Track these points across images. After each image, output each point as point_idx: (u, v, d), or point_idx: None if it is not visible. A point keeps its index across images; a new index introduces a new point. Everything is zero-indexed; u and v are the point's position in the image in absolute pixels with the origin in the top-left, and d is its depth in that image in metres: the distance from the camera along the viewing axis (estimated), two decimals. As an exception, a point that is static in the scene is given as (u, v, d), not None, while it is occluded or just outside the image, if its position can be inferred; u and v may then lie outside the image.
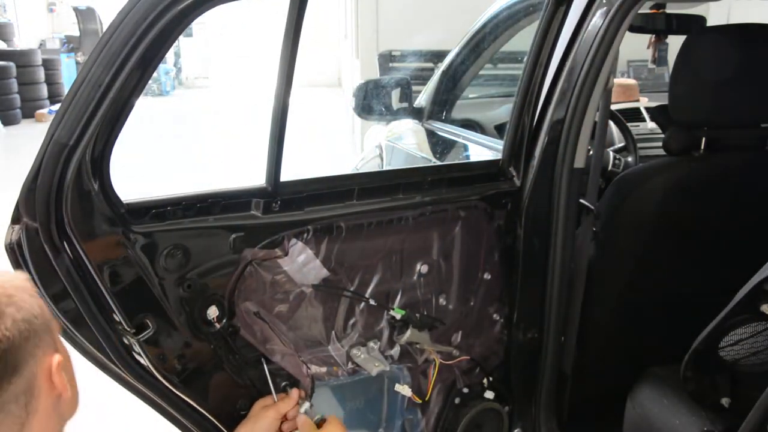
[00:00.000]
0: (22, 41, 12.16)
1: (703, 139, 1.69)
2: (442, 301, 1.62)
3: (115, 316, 1.22)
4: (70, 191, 1.09)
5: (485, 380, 1.73)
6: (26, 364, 0.85)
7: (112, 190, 1.17)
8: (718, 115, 1.69)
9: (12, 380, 0.83)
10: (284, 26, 1.22)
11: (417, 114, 2.80)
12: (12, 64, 9.97)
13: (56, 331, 0.94)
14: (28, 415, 0.85)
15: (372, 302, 1.50)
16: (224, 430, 1.40)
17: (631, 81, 3.35)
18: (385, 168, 2.87)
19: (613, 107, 2.30)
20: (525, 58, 1.59)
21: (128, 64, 1.05)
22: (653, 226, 1.73)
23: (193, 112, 11.47)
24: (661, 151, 1.78)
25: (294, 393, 1.41)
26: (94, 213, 1.14)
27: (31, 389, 0.86)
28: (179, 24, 1.09)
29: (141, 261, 1.21)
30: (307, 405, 1.40)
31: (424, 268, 1.57)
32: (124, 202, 1.19)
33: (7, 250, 1.16)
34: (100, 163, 1.13)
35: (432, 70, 4.47)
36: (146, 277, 1.22)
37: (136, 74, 1.08)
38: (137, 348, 1.25)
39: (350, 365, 1.52)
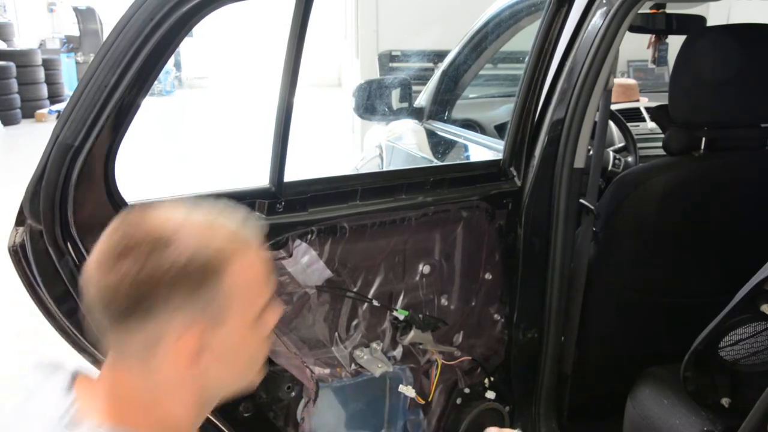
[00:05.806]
0: (22, 41, 12.12)
1: (703, 139, 1.69)
2: (444, 301, 1.62)
3: (118, 317, 1.21)
4: (74, 193, 1.09)
5: (487, 380, 1.73)
6: (155, 315, 0.75)
7: (117, 191, 1.17)
8: (718, 115, 1.69)
9: (140, 322, 0.75)
10: (289, 26, 1.22)
11: (417, 114, 2.80)
12: (12, 64, 9.93)
13: (232, 310, 0.79)
14: (150, 371, 0.78)
15: (375, 303, 1.50)
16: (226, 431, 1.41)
17: (631, 81, 3.35)
18: (386, 168, 2.87)
19: (613, 107, 2.30)
20: (526, 58, 1.59)
21: (134, 65, 1.05)
22: (653, 225, 1.73)
23: (195, 112, 11.45)
24: (661, 151, 1.78)
25: None
26: (98, 215, 1.14)
27: (152, 347, 0.77)
28: (185, 25, 1.09)
29: None
30: None
31: (427, 269, 1.57)
32: (129, 203, 1.19)
33: (10, 253, 1.16)
34: (105, 165, 1.13)
35: (432, 70, 4.47)
36: None
37: (141, 75, 1.08)
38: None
39: (353, 366, 1.52)
